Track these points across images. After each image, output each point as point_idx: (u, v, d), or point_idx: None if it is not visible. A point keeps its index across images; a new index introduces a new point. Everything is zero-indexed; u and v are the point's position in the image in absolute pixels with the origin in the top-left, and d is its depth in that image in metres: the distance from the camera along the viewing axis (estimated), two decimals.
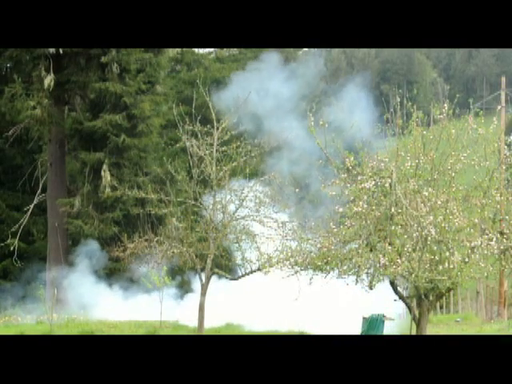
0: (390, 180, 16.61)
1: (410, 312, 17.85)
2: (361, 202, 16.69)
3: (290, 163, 34.02)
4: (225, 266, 23.11)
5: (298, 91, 38.33)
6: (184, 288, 33.91)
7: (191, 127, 22.63)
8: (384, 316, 22.00)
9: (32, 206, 37.47)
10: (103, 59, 35.20)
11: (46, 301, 26.60)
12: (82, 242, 34.91)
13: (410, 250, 16.49)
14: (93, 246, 34.19)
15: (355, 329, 22.11)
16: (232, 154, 22.50)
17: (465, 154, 16.91)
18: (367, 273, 16.77)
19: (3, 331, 23.50)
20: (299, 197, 26.45)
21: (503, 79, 39.60)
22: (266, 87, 36.86)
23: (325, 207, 19.03)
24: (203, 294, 22.59)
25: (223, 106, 26.44)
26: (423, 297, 17.30)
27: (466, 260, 16.45)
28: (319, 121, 16.89)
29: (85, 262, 33.81)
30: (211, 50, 50.21)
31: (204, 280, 22.69)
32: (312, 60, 51.83)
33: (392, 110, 17.08)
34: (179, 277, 33.35)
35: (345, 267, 16.89)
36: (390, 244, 16.60)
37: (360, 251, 16.58)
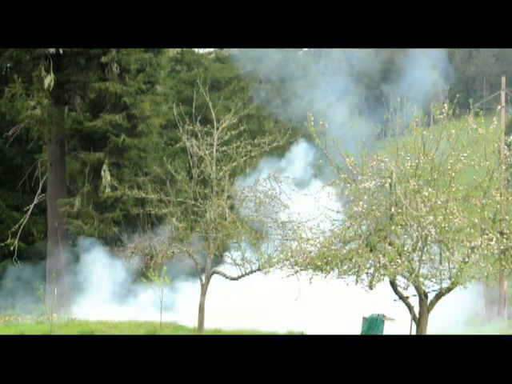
0: (390, 180, 16.62)
1: (410, 312, 17.85)
2: (361, 202, 16.69)
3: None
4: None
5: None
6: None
7: (191, 127, 22.64)
8: (384, 316, 21.99)
9: (32, 206, 37.44)
10: (103, 59, 35.18)
11: (46, 301, 26.57)
12: None
13: (409, 250, 16.50)
14: None
15: (355, 329, 22.10)
16: (232, 154, 22.51)
17: (465, 154, 16.91)
18: (367, 273, 16.77)
19: (3, 331, 23.47)
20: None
21: (503, 79, 39.55)
22: None
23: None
24: (203, 293, 22.59)
25: None
26: (423, 297, 17.31)
27: (466, 260, 16.46)
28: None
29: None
30: (211, 49, 50.23)
31: (204, 280, 22.69)
32: None
33: (392, 109, 17.11)
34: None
35: (345, 267, 16.89)
36: (390, 244, 16.60)
37: (360, 251, 16.58)
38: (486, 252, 16.47)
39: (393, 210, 16.48)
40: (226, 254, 22.98)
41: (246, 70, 49.08)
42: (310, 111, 17.64)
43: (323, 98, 45.50)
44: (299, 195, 21.57)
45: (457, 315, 28.86)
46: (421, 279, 16.59)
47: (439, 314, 19.25)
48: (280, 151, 33.67)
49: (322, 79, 50.44)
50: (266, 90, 51.05)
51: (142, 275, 26.14)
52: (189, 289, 31.42)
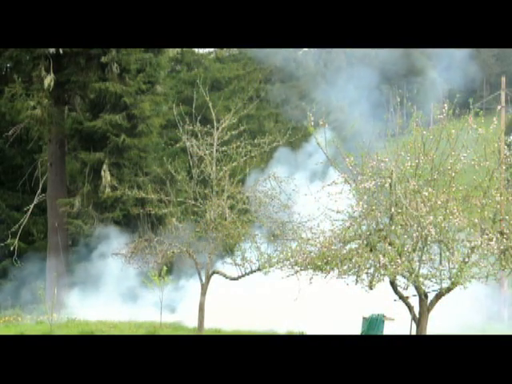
0: (390, 180, 16.61)
1: (410, 312, 17.85)
2: (361, 202, 16.69)
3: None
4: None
5: None
6: None
7: (191, 127, 22.65)
8: (384, 316, 21.98)
9: (32, 206, 37.44)
10: (103, 59, 35.18)
11: (46, 301, 26.56)
12: None
13: (409, 250, 16.49)
14: None
15: (355, 329, 22.10)
16: (232, 154, 22.51)
17: (465, 154, 16.91)
18: (367, 273, 16.76)
19: (3, 331, 23.47)
20: None
21: (503, 79, 39.58)
22: None
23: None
24: (203, 294, 22.60)
25: None
26: (423, 297, 17.30)
27: (466, 260, 16.46)
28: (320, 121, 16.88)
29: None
30: (211, 49, 50.24)
31: (204, 280, 22.70)
32: None
33: (392, 109, 17.16)
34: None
35: (345, 267, 16.88)
36: (390, 244, 16.60)
37: (360, 251, 16.57)
38: (485, 252, 16.48)
39: (393, 210, 16.47)
40: (230, 252, 22.98)
41: (256, 67, 49.14)
42: (311, 111, 17.62)
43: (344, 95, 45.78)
44: (299, 195, 21.57)
45: (457, 315, 28.86)
46: (421, 279, 16.58)
47: (439, 314, 19.24)
48: (298, 142, 33.50)
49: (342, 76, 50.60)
50: (285, 87, 51.18)
51: (143, 275, 26.15)
52: (191, 288, 31.47)
